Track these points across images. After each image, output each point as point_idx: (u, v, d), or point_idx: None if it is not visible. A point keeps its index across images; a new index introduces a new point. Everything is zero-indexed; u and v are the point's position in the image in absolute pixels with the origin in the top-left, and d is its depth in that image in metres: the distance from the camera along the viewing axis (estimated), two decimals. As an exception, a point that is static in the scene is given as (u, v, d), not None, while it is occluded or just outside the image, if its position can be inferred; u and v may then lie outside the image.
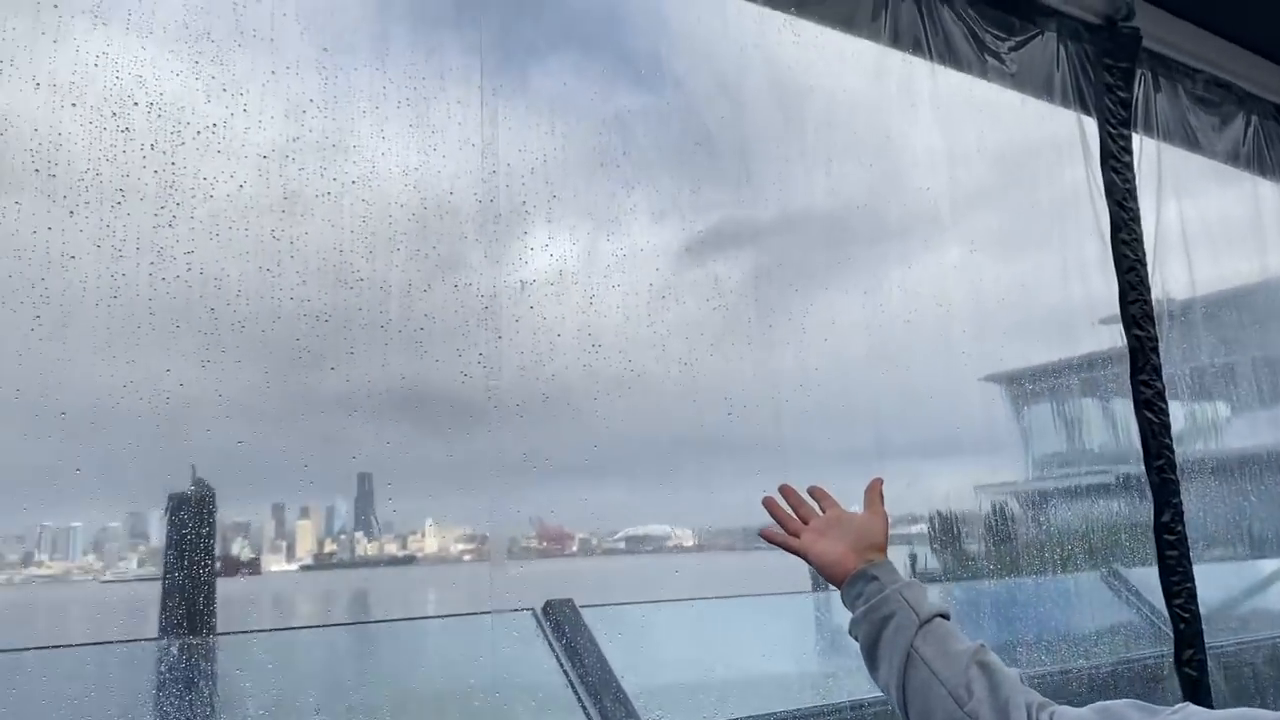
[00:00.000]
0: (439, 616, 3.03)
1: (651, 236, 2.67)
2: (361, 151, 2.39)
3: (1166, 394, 3.49)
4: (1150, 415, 3.38)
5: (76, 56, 2.12)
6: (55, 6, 2.13)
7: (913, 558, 3.57)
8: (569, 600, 2.34)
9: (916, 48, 3.40)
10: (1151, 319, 3.52)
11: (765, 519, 1.95)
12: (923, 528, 3.22)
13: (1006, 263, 3.54)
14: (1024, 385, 3.60)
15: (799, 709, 2.40)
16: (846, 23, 3.27)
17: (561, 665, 2.15)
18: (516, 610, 2.45)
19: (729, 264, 2.75)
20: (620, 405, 2.33)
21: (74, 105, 2.14)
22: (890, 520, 1.93)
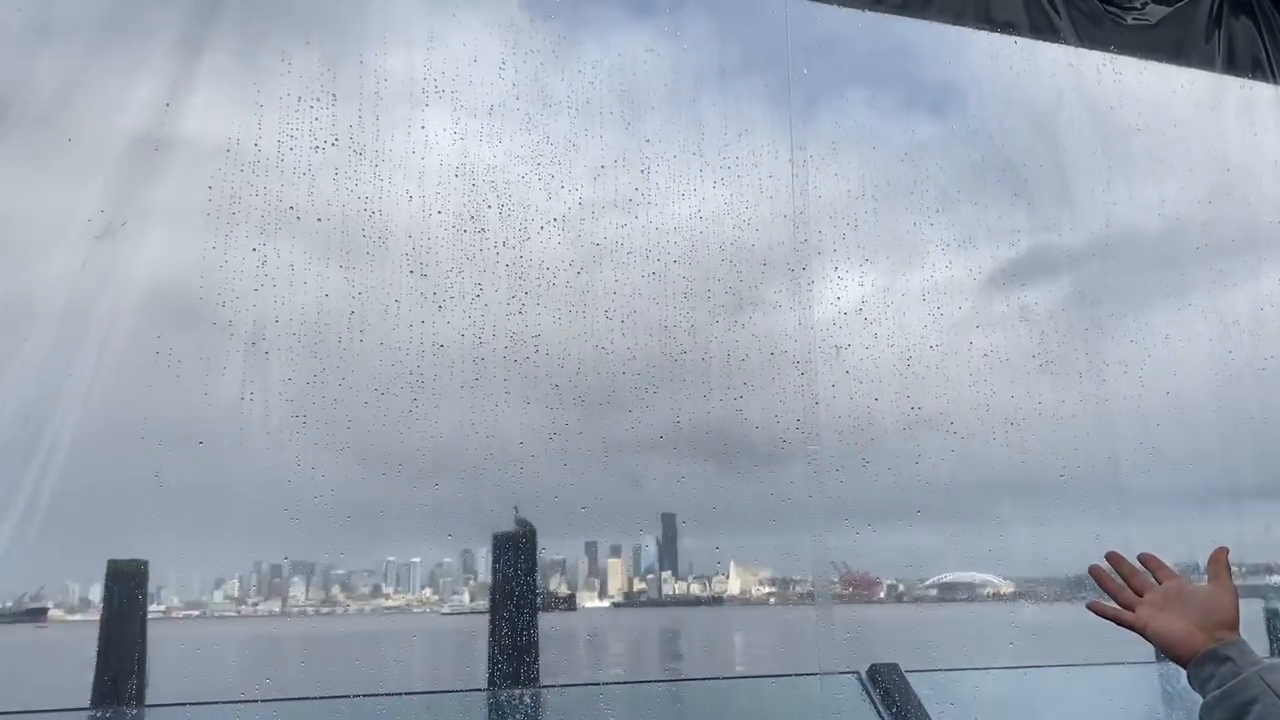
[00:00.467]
0: (767, 676, 3.01)
1: (957, 268, 2.56)
2: (673, 206, 2.49)
3: None
4: None
5: (440, 169, 2.37)
6: (423, 128, 2.40)
7: (1271, 614, 3.15)
8: (895, 665, 2.25)
9: (1256, 68, 3.06)
10: None
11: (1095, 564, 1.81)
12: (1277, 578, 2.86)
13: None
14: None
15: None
16: (1175, 51, 3.01)
17: None
18: (843, 673, 2.38)
19: (1041, 294, 2.59)
20: (930, 444, 2.25)
21: (439, 213, 2.39)
22: (1245, 570, 1.73)
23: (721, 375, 2.58)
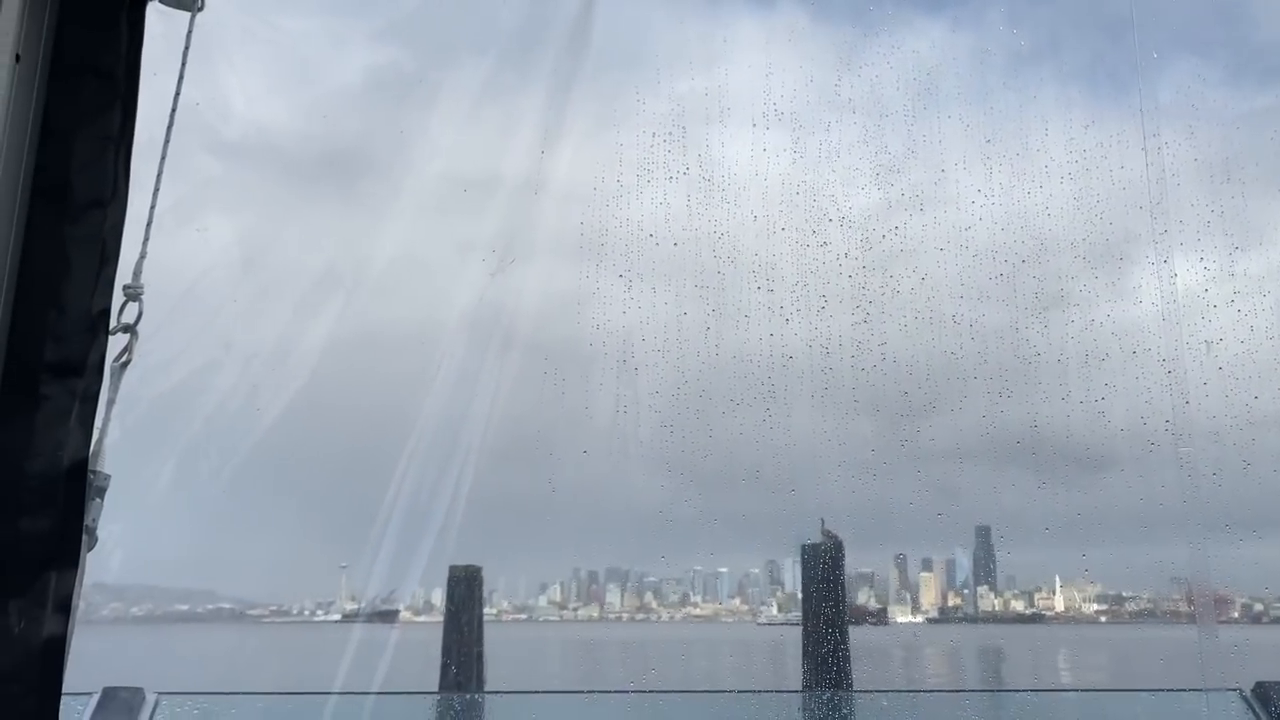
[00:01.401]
0: (1145, 690, 2.82)
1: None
2: (971, 205, 2.42)
3: None
4: None
5: (782, 188, 2.46)
6: (765, 150, 2.49)
7: None
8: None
9: None
10: None
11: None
12: None
13: None
14: None
15: None
16: None
17: None
18: (1225, 690, 2.17)
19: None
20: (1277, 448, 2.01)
21: (782, 229, 2.48)
22: None
23: (1035, 375, 2.43)
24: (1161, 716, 2.58)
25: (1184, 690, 2.51)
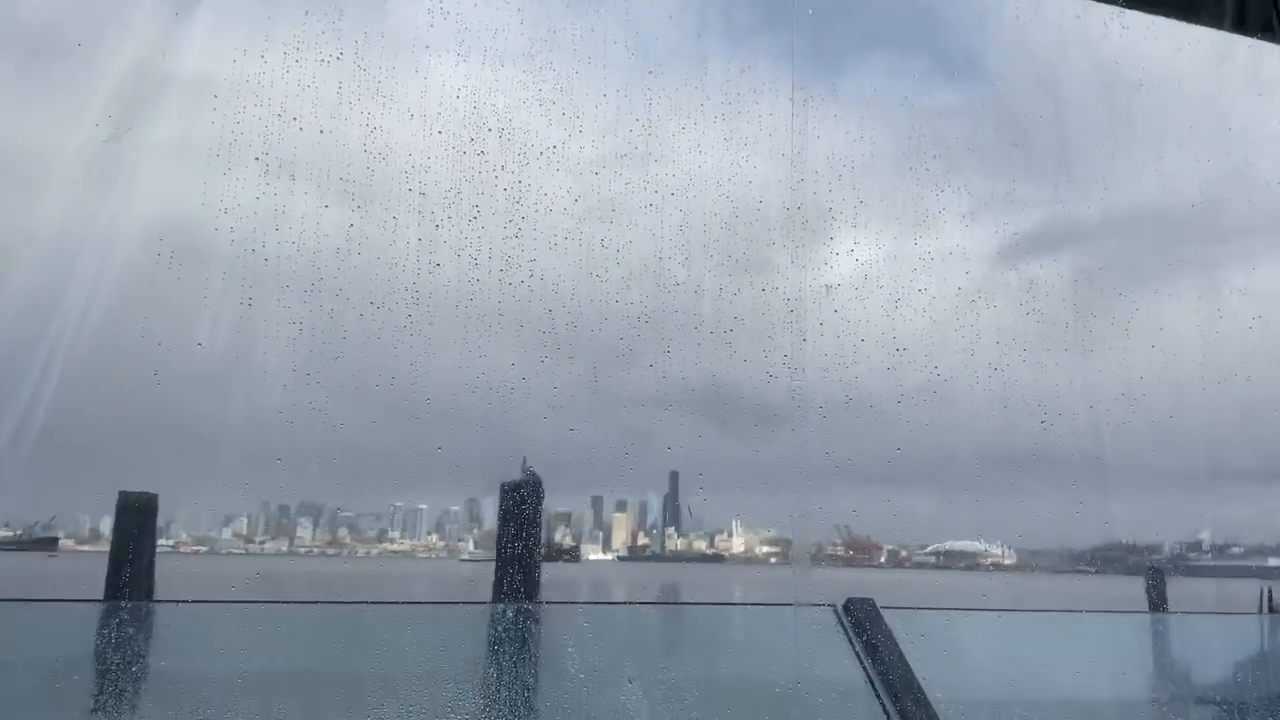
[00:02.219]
0: (749, 604, 3.08)
1: (962, 238, 2.57)
2: (678, 163, 2.51)
3: None
4: None
5: (442, 90, 2.39)
6: (427, 47, 2.41)
7: (1266, 593, 3.19)
8: (870, 600, 2.32)
9: (1267, 30, 3.03)
10: None
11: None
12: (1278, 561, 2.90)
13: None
14: None
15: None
16: (1184, 8, 2.99)
17: (861, 662, 2.13)
18: (818, 605, 2.44)
19: (1046, 266, 2.59)
20: (927, 412, 2.27)
21: (440, 133, 2.41)
22: (1231, 551, 1.74)
23: (725, 335, 2.60)
24: (764, 622, 2.91)
25: (786, 605, 2.85)
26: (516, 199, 2.55)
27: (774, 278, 2.48)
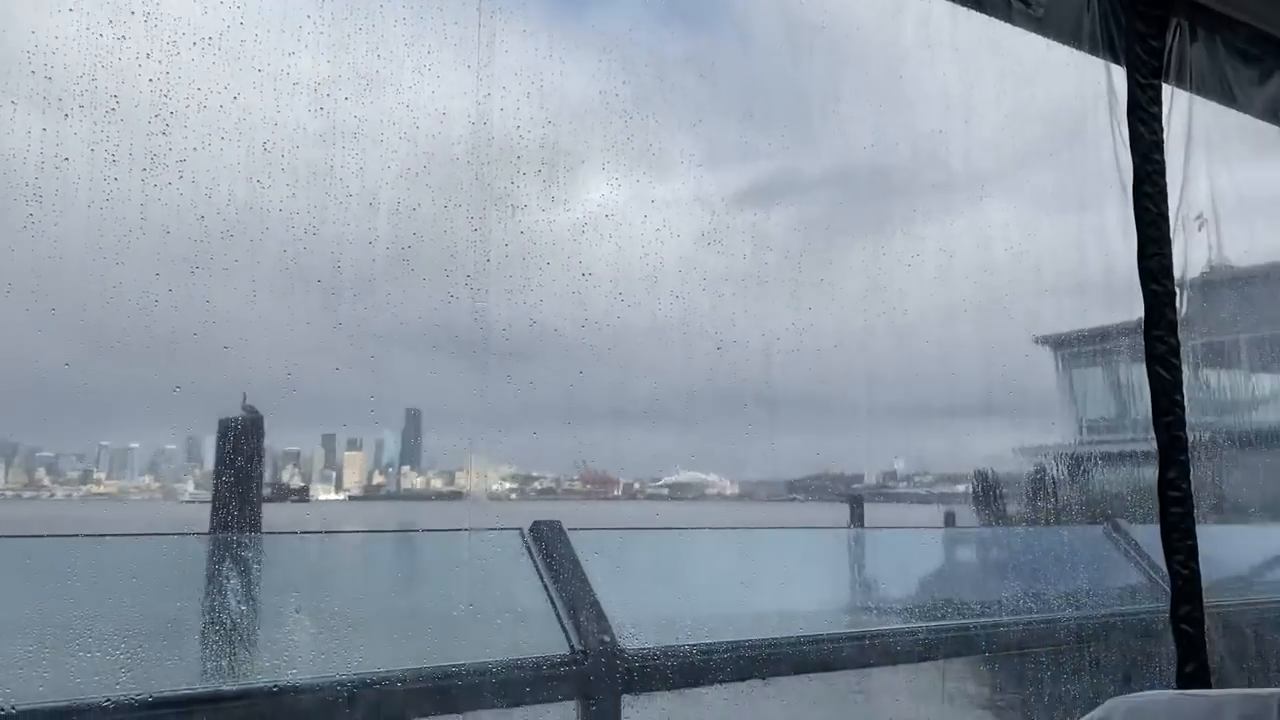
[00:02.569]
0: (431, 530, 3.06)
1: (698, 185, 2.64)
2: (359, 73, 2.39)
3: (1181, 351, 3.43)
4: (1162, 371, 3.31)
5: None
6: None
7: (949, 515, 3.59)
8: (556, 522, 2.36)
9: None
10: (1170, 274, 3.44)
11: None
12: (965, 487, 3.23)
13: (1051, 221, 3.46)
14: (1073, 348, 3.56)
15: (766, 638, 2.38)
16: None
17: (544, 583, 2.18)
18: (504, 529, 2.47)
19: (769, 214, 2.71)
20: (662, 352, 2.34)
21: (71, 10, 2.16)
22: (932, 479, 1.90)
23: (469, 271, 2.54)
24: (453, 549, 2.93)
25: (469, 530, 2.90)
26: (165, 93, 2.33)
27: (512, 216, 2.44)
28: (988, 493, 3.21)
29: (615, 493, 2.63)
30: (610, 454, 2.43)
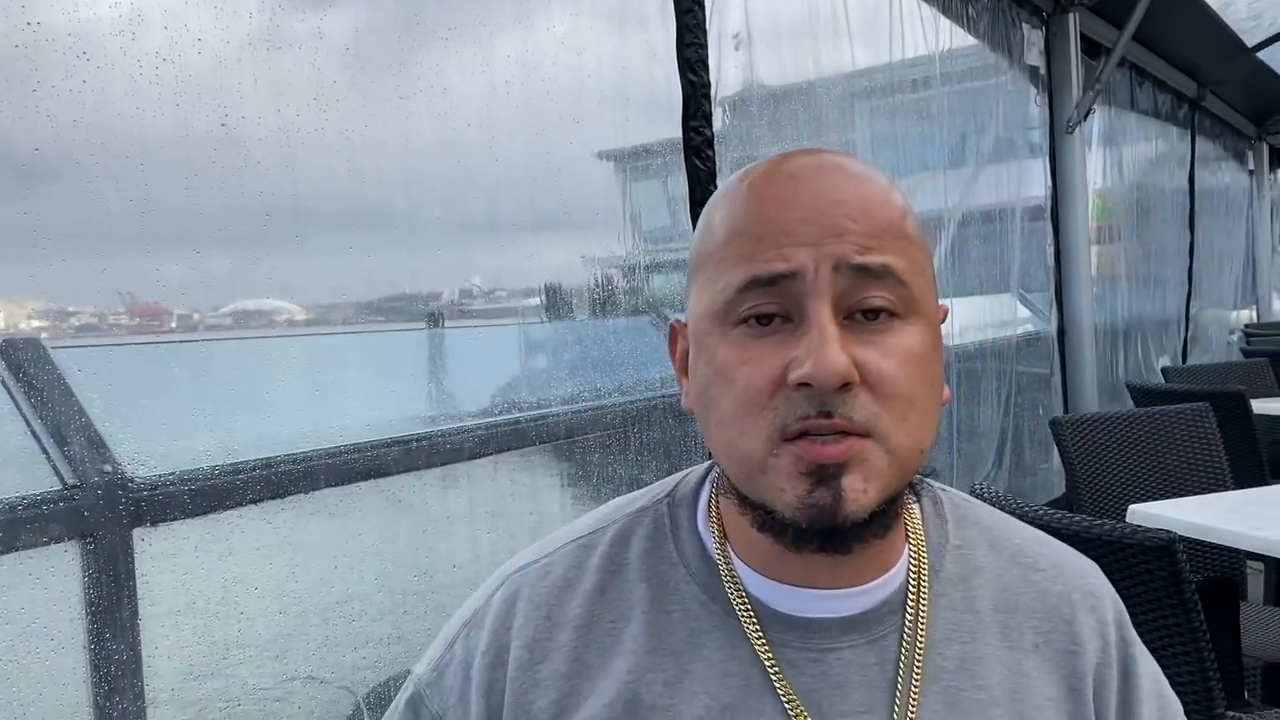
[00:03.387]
0: None
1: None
2: None
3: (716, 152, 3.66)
4: (698, 162, 3.54)
5: None
6: None
7: (523, 327, 3.74)
8: (34, 339, 2.09)
9: None
10: (705, 66, 3.56)
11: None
12: (538, 300, 3.35)
13: (616, 35, 3.55)
14: (632, 162, 3.75)
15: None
16: None
17: (18, 406, 1.93)
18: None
19: (331, 17, 2.50)
20: (213, 165, 2.11)
21: None
22: (506, 293, 1.90)
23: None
24: None
25: None
26: None
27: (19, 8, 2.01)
28: (557, 303, 3.37)
29: (171, 325, 2.40)
30: (164, 283, 2.20)
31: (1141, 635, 2.19)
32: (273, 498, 2.03)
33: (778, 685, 0.95)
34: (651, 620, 0.99)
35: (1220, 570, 3.46)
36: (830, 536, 0.89)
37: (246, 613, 2.02)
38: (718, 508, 1.04)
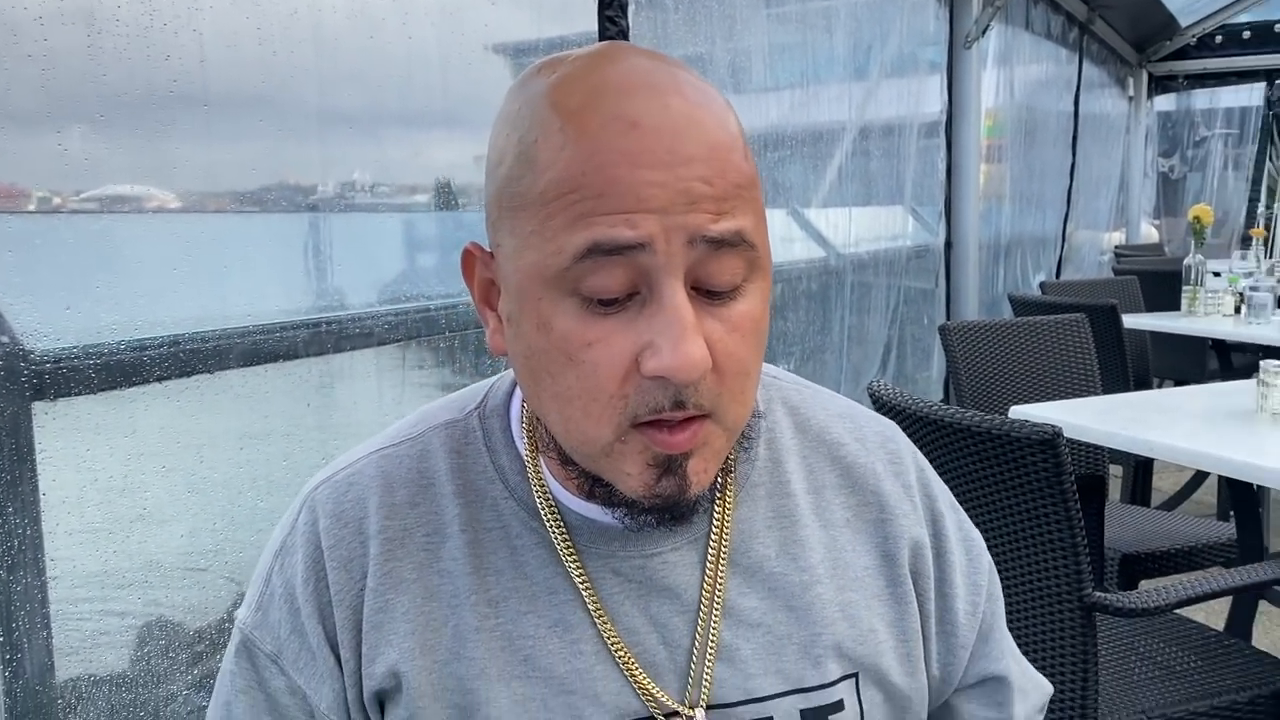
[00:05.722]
0: None
1: None
2: None
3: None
4: None
5: None
6: None
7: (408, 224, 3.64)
8: None
9: None
10: None
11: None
12: (424, 197, 3.26)
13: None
14: (529, 57, 3.64)
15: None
16: None
17: None
18: None
19: None
20: (77, 43, 1.95)
21: None
22: (393, 190, 1.79)
23: None
24: None
25: None
26: None
27: None
28: (447, 200, 3.28)
29: (29, 207, 2.25)
30: (20, 163, 2.06)
31: (1022, 523, 2.32)
32: (180, 375, 1.96)
33: (605, 597, 0.95)
34: (472, 539, 0.97)
35: (1088, 468, 3.68)
36: (668, 514, 0.89)
37: (151, 491, 1.97)
38: (532, 421, 1.00)
